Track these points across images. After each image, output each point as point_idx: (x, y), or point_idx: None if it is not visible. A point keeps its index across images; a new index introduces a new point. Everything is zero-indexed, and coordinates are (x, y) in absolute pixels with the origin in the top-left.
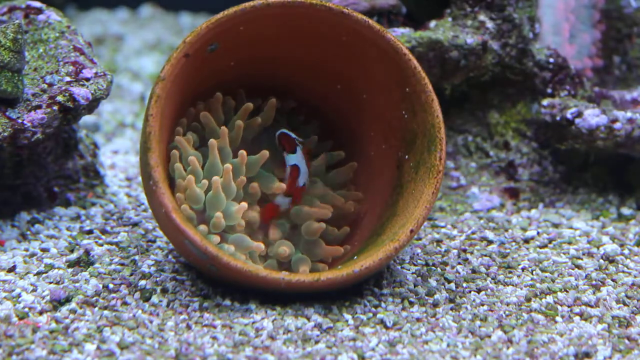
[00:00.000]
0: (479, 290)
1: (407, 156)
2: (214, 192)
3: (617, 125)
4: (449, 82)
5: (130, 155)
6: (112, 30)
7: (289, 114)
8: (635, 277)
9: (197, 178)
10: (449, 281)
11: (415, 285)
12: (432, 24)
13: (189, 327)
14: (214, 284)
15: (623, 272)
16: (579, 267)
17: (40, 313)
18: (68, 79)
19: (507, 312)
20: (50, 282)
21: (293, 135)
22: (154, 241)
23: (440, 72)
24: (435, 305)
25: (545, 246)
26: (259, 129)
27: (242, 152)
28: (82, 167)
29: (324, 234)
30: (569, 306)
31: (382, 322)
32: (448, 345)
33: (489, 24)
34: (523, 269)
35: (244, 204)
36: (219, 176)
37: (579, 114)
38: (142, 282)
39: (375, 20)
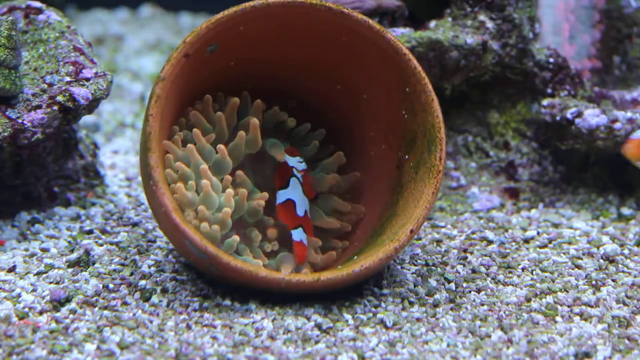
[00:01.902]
0: (479, 290)
1: (407, 156)
2: (205, 195)
3: (617, 125)
4: (449, 82)
5: (130, 155)
6: (112, 30)
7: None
8: (635, 277)
9: (187, 180)
10: (449, 281)
11: (415, 285)
12: (432, 24)
13: (189, 327)
14: (214, 284)
15: (623, 272)
16: (579, 267)
17: (40, 313)
18: (68, 79)
19: (507, 312)
20: (50, 282)
21: (291, 163)
22: (154, 241)
23: (440, 72)
24: (435, 305)
25: (545, 246)
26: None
27: (221, 147)
28: (82, 167)
29: (324, 240)
30: (569, 306)
31: (382, 322)
32: (448, 345)
33: (489, 24)
34: (523, 269)
35: (230, 191)
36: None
37: (579, 114)
38: (142, 282)
39: (377, 20)
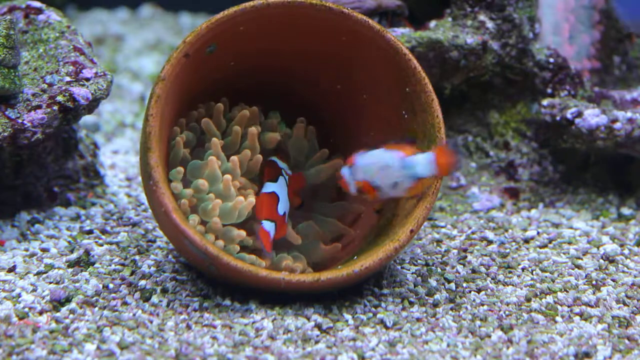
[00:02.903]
0: (479, 290)
1: None
2: (233, 209)
3: (617, 125)
4: (449, 82)
5: (130, 155)
6: (112, 30)
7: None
8: (635, 277)
9: (203, 192)
10: (449, 281)
11: (415, 285)
12: (432, 24)
13: (189, 327)
14: (214, 284)
15: (623, 272)
16: (579, 267)
17: (40, 313)
18: (68, 79)
19: (507, 312)
20: (50, 282)
21: (281, 165)
22: (154, 241)
23: (440, 72)
24: (435, 305)
25: (545, 246)
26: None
27: (234, 159)
28: (82, 167)
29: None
30: (569, 306)
31: (382, 322)
32: (448, 345)
33: (489, 24)
34: (523, 269)
35: (252, 200)
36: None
37: (579, 114)
38: (142, 282)
39: (377, 20)
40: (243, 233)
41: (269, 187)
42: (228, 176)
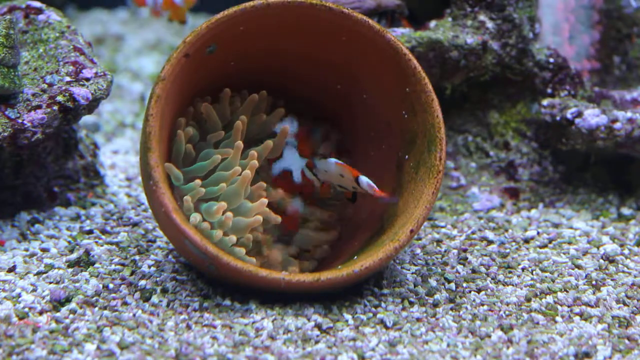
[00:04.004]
0: (479, 290)
1: (407, 156)
2: (240, 186)
3: (617, 125)
4: (449, 82)
5: (130, 155)
6: (112, 30)
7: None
8: (635, 277)
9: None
10: (449, 281)
11: (415, 285)
12: (432, 24)
13: (189, 327)
14: (214, 284)
15: (623, 272)
16: (579, 267)
17: (40, 313)
18: (68, 79)
19: (507, 312)
20: (50, 282)
21: (276, 129)
22: (154, 241)
23: (440, 72)
24: (435, 305)
25: (545, 246)
26: (261, 127)
27: (253, 153)
28: (82, 167)
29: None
30: (569, 306)
31: (382, 322)
32: (448, 345)
33: (489, 24)
34: (523, 269)
35: (265, 200)
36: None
37: (579, 114)
38: (142, 282)
39: (376, 20)
40: (259, 218)
41: (275, 168)
42: (255, 162)
